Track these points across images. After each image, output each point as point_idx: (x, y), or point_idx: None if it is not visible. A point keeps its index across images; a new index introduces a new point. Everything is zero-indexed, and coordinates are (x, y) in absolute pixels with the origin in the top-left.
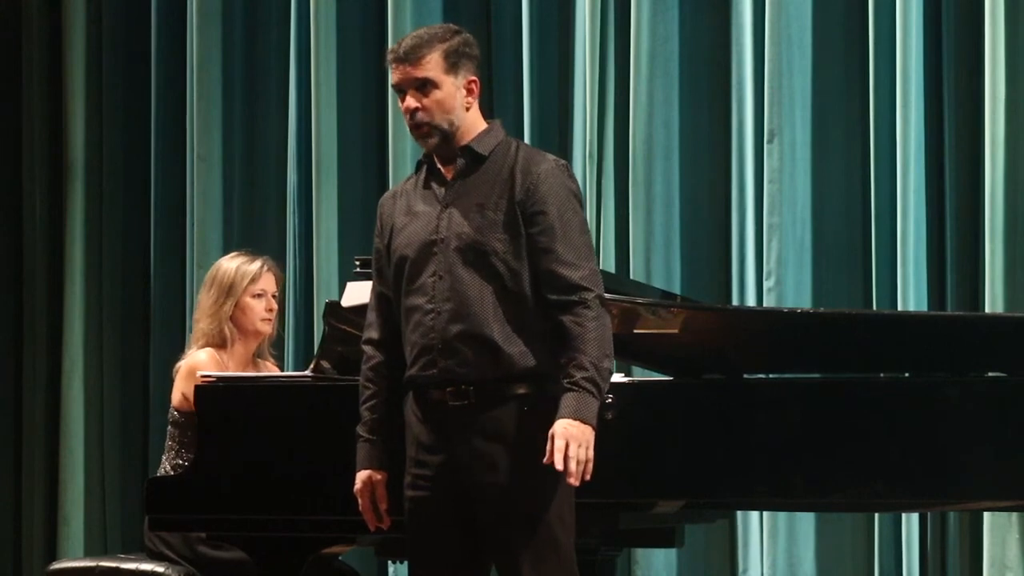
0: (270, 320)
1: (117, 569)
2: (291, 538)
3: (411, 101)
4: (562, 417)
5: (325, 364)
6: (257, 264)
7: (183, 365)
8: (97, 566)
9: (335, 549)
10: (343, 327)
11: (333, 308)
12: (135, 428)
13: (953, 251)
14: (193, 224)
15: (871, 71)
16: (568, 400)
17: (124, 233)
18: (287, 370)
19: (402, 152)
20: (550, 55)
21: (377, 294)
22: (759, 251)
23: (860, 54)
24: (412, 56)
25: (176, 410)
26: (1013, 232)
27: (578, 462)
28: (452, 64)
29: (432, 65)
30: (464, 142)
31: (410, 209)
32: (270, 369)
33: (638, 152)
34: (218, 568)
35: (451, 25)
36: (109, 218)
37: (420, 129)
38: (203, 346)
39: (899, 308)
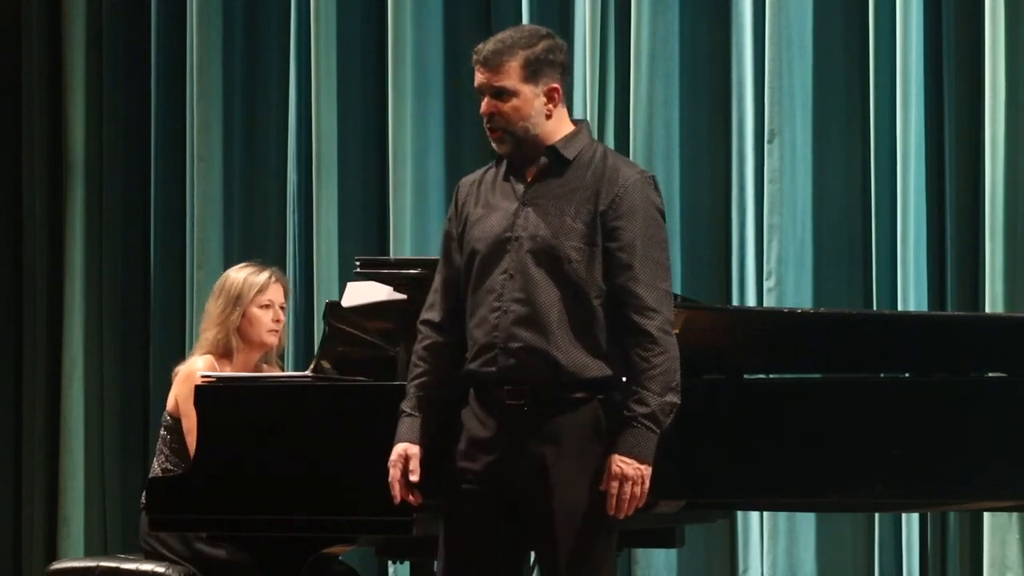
0: (276, 332)
1: (117, 569)
2: (291, 538)
3: (487, 106)
4: (618, 452)
5: (325, 364)
6: (265, 275)
7: (181, 370)
8: (97, 566)
9: (335, 549)
10: (343, 327)
11: (333, 308)
12: (135, 428)
13: (953, 251)
14: (193, 224)
15: (871, 71)
16: (626, 435)
17: (124, 233)
18: (287, 370)
19: (402, 152)
20: None
21: (444, 278)
22: (759, 251)
23: (860, 54)
24: (492, 62)
25: (169, 415)
26: (1013, 232)
27: (631, 499)
28: (532, 72)
29: (511, 73)
30: (548, 143)
31: (487, 201)
32: (273, 370)
33: (638, 152)
34: (217, 566)
35: (539, 29)
36: (109, 218)
37: (494, 134)
38: (205, 354)
39: (899, 308)
